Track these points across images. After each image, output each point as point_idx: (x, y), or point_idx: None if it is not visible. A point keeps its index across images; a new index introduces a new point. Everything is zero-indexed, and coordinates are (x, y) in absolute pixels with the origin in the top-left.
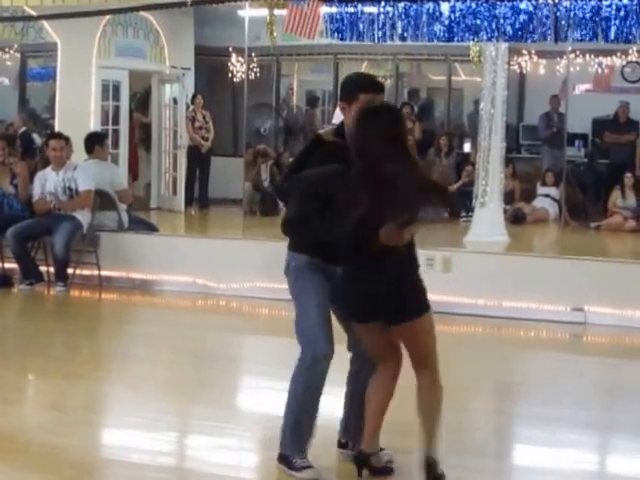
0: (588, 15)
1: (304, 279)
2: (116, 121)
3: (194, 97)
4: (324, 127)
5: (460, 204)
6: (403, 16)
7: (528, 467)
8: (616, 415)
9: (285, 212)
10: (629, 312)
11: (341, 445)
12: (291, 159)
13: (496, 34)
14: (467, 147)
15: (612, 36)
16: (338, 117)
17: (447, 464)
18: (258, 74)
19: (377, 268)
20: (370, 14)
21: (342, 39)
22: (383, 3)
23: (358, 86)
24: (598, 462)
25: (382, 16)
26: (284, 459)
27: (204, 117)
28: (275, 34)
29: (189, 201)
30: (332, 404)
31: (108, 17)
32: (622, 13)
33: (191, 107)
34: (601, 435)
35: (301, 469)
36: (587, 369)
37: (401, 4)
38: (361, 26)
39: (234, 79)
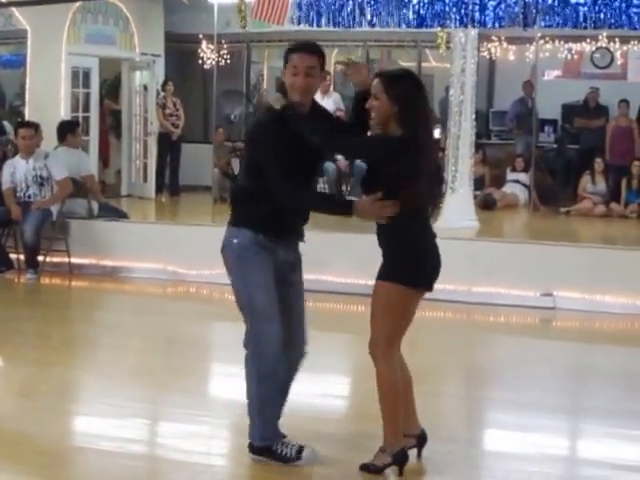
0: (557, 1)
1: (249, 257)
2: (86, 108)
3: (165, 84)
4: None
5: None
6: (372, 2)
7: (498, 452)
8: (585, 399)
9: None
10: (598, 297)
11: None
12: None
13: (465, 20)
14: (437, 133)
15: (581, 22)
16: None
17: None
18: (228, 61)
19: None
20: (339, 0)
21: (312, 25)
22: None
23: (290, 47)
24: (568, 446)
25: (351, 2)
26: (262, 450)
27: (174, 104)
28: (246, 20)
29: (159, 188)
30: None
31: (78, 4)
32: None
33: (162, 94)
34: (570, 419)
35: (295, 456)
36: (556, 354)
37: None
38: (330, 12)
39: (204, 66)
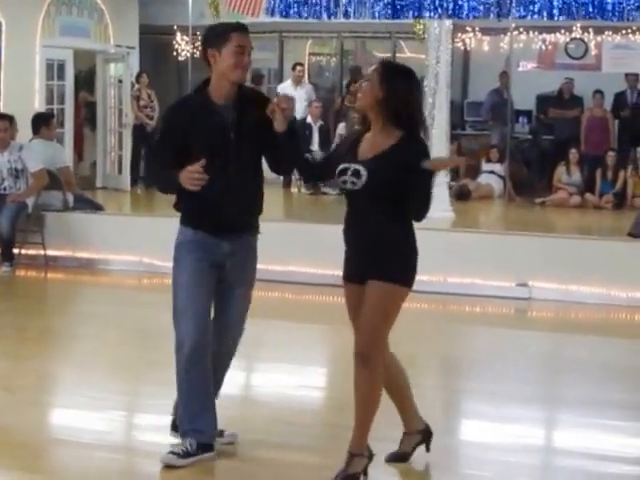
0: None
1: (180, 256)
2: (61, 100)
3: (139, 76)
4: None
5: None
6: None
7: (474, 442)
8: (561, 389)
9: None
10: (573, 287)
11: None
12: None
13: (440, 11)
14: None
15: (555, 13)
16: (283, 88)
17: (395, 440)
18: None
19: None
20: None
21: (286, 16)
22: None
23: (229, 26)
24: (543, 436)
25: None
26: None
27: (149, 96)
28: (219, 11)
29: (135, 180)
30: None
31: None
32: None
33: (136, 86)
34: (546, 409)
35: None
36: (532, 344)
37: None
38: (305, 3)
39: (179, 57)
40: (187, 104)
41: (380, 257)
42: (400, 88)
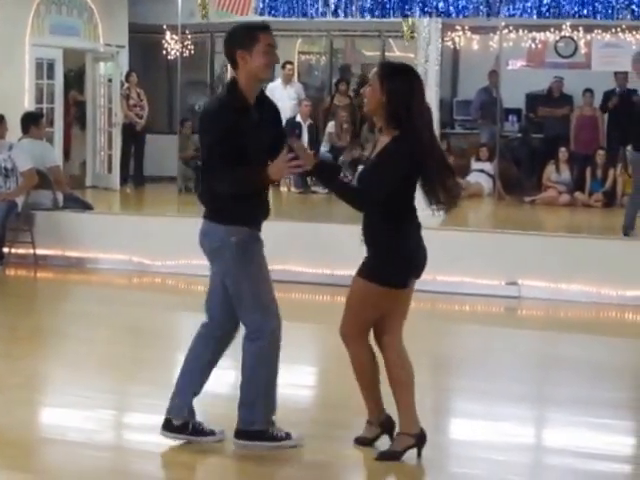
0: None
1: (251, 254)
2: (51, 99)
3: (128, 75)
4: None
5: None
6: None
7: (464, 440)
8: (550, 388)
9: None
10: (563, 286)
11: None
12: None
13: (429, 10)
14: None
15: (545, 11)
16: (273, 87)
17: (385, 438)
18: (192, 51)
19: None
20: None
21: (275, 15)
22: None
23: (256, 27)
24: (533, 434)
25: None
26: (259, 435)
27: (138, 95)
28: (208, 10)
29: (124, 179)
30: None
31: None
32: None
33: (125, 85)
34: (535, 408)
35: (286, 437)
36: (521, 342)
37: None
38: (294, 2)
39: (168, 56)
40: (230, 105)
41: (368, 255)
42: (400, 89)
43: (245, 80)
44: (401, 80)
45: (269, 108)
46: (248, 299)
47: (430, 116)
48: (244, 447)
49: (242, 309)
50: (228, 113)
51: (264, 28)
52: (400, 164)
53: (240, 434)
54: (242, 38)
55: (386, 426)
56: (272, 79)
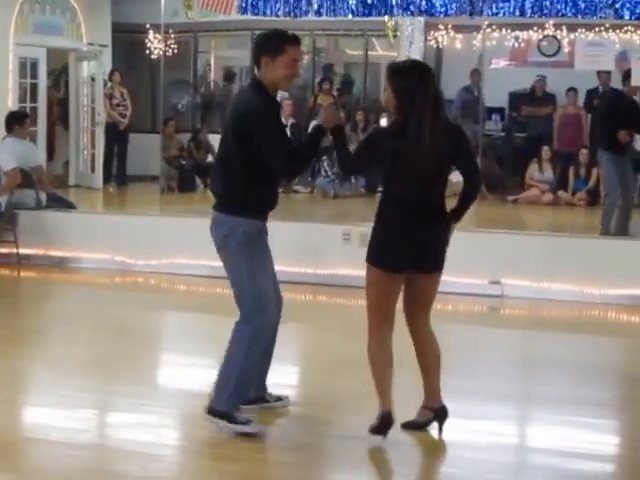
0: None
1: (256, 246)
2: (34, 99)
3: (112, 74)
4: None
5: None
6: None
7: (447, 440)
8: (533, 387)
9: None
10: (545, 285)
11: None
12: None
13: (412, 8)
14: (384, 122)
15: (528, 10)
16: None
17: (367, 439)
18: (175, 50)
19: (427, 217)
20: None
21: (259, 14)
22: None
23: (286, 38)
24: (516, 434)
25: None
26: (221, 414)
27: (122, 94)
28: (192, 9)
29: (107, 178)
30: None
31: None
32: None
33: (109, 84)
34: (519, 407)
35: (246, 422)
36: (504, 341)
37: None
38: (277, 1)
39: (151, 56)
40: (268, 104)
41: None
42: (403, 86)
43: (267, 83)
44: (405, 78)
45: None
46: (246, 287)
47: (437, 101)
48: (211, 422)
49: (240, 297)
50: (270, 108)
51: (295, 41)
52: (375, 139)
53: (208, 409)
54: (271, 44)
55: (439, 415)
56: (290, 89)
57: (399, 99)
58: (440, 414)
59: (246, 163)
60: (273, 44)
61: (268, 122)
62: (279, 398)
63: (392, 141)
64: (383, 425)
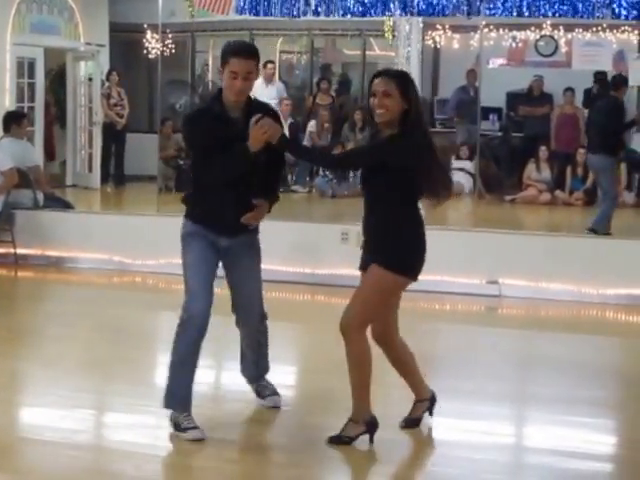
0: None
1: (188, 242)
2: (31, 98)
3: (109, 74)
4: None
5: None
6: None
7: (443, 440)
8: (529, 387)
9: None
10: (543, 284)
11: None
12: None
13: (409, 9)
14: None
15: (525, 10)
16: (255, 87)
17: (364, 438)
18: (173, 50)
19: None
20: None
21: (256, 15)
22: None
23: (229, 49)
24: (512, 434)
25: None
26: (170, 417)
27: (119, 94)
28: (192, 9)
29: (105, 178)
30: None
31: None
32: None
33: (106, 84)
34: (515, 407)
35: (184, 430)
36: (502, 341)
37: None
38: (275, 1)
39: (149, 55)
40: (204, 113)
41: (376, 243)
42: (416, 96)
43: (224, 93)
44: (414, 85)
45: (259, 111)
46: (185, 283)
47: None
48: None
49: None
50: (203, 118)
51: (235, 53)
52: (394, 151)
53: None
54: (222, 54)
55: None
56: (238, 101)
57: (414, 109)
58: (432, 400)
59: (192, 170)
60: (223, 54)
61: (189, 128)
62: (273, 393)
63: (407, 154)
64: (373, 430)
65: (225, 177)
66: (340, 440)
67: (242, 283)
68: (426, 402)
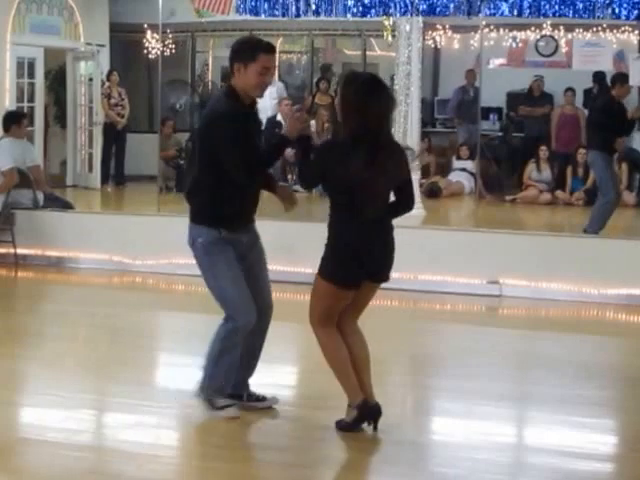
0: None
1: (216, 256)
2: (31, 98)
3: (110, 74)
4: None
5: None
6: None
7: (445, 440)
8: (531, 387)
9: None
10: (544, 284)
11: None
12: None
13: (410, 9)
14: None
15: (525, 10)
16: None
17: (365, 437)
18: (173, 50)
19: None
20: None
21: (256, 15)
22: None
23: (258, 46)
24: (514, 434)
25: None
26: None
27: (120, 94)
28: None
29: (105, 178)
30: None
31: None
32: None
33: (106, 84)
34: (517, 407)
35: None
36: (503, 341)
37: None
38: (275, 1)
39: (149, 55)
40: (238, 112)
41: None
42: (350, 97)
43: (239, 89)
44: (350, 88)
45: (255, 119)
46: (217, 294)
47: (383, 123)
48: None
49: (217, 301)
50: (231, 118)
51: (266, 50)
52: (331, 155)
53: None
54: (243, 52)
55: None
56: (261, 96)
57: (344, 109)
58: (374, 411)
59: (210, 173)
60: (246, 51)
61: (230, 127)
62: (262, 398)
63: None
64: (363, 415)
65: (265, 170)
66: (340, 425)
67: (260, 277)
68: (354, 410)
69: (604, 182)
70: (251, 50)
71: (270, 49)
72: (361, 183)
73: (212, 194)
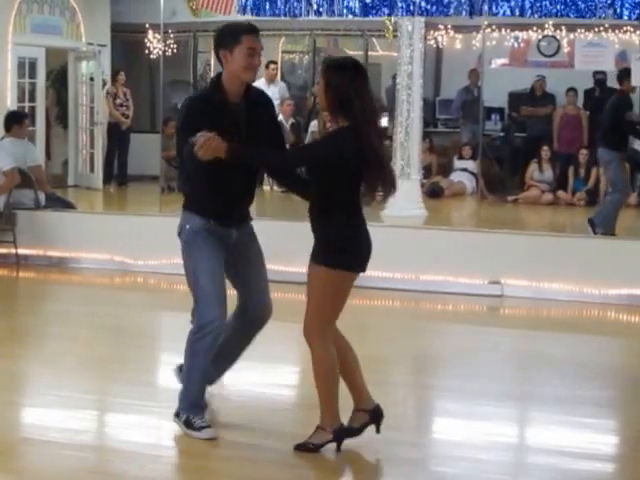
0: None
1: (198, 243)
2: (32, 98)
3: (116, 74)
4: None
5: None
6: None
7: (446, 440)
8: (532, 387)
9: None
10: (545, 285)
11: None
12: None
13: (412, 8)
14: (384, 122)
15: (528, 10)
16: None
17: (366, 437)
18: (175, 50)
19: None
20: None
21: (258, 15)
22: None
23: (240, 28)
24: (515, 434)
25: None
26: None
27: (125, 94)
28: (195, 9)
29: (108, 178)
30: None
31: None
32: None
33: (108, 84)
34: (518, 407)
35: (200, 429)
36: (504, 341)
37: None
38: (277, 1)
39: (151, 56)
40: (205, 100)
41: (316, 240)
42: (338, 82)
43: (228, 79)
44: (339, 74)
45: (263, 105)
46: (192, 288)
47: (373, 111)
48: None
49: (191, 294)
50: (194, 108)
51: (248, 31)
52: (333, 146)
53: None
54: (225, 38)
55: (375, 415)
56: (254, 80)
57: (330, 95)
58: (377, 414)
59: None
60: (228, 36)
61: (188, 112)
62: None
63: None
64: (341, 439)
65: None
66: (305, 447)
67: (255, 276)
68: (364, 414)
69: (620, 180)
70: (233, 34)
71: (252, 29)
72: (377, 164)
73: (196, 183)
